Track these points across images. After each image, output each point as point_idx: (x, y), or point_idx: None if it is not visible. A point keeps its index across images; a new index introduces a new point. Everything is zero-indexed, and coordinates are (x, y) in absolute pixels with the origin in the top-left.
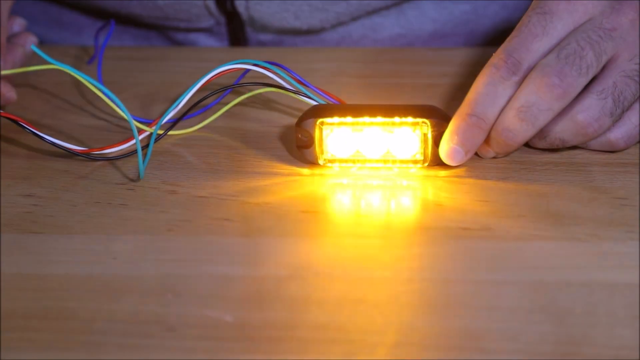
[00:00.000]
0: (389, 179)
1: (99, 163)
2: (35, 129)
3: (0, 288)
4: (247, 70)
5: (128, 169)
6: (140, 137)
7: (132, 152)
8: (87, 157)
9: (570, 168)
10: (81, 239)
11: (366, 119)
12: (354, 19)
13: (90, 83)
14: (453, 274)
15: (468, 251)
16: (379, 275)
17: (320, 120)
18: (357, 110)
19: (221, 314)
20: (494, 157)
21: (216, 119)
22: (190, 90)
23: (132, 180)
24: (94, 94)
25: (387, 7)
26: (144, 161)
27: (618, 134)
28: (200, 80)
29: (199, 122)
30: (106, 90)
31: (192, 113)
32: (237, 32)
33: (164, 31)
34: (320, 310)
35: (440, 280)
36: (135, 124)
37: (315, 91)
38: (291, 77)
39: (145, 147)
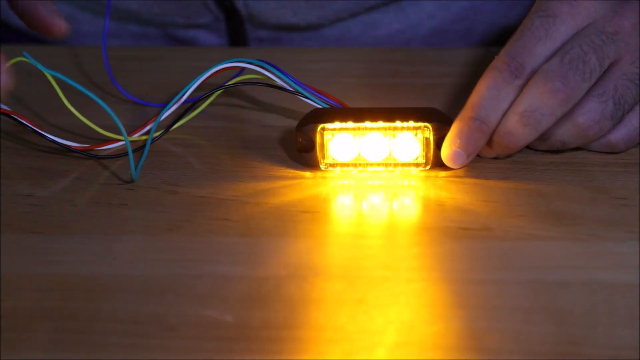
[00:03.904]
0: (390, 180)
1: (99, 163)
2: (36, 126)
3: (0, 288)
4: (242, 69)
5: (128, 169)
6: (137, 134)
7: (133, 151)
8: (87, 154)
9: (571, 168)
10: (81, 239)
11: (367, 123)
12: (353, 15)
13: (82, 91)
14: (453, 274)
15: (468, 251)
16: (379, 275)
17: (321, 125)
18: (358, 114)
19: (221, 314)
20: (495, 158)
21: (215, 120)
22: (185, 91)
23: (132, 180)
24: (95, 93)
25: (386, 4)
26: (138, 163)
27: (618, 136)
28: (195, 81)
29: (194, 122)
30: (98, 99)
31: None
32: (236, 28)
33: (162, 28)
34: (320, 310)
35: (440, 280)
36: (128, 138)
37: (310, 92)
38: (286, 77)
39: (139, 149)
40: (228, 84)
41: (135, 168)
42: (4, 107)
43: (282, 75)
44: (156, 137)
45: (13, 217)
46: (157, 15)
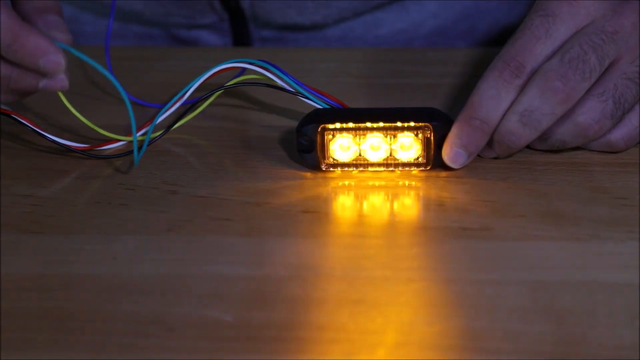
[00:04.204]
0: (390, 180)
1: (99, 163)
2: (36, 126)
3: (0, 288)
4: (243, 70)
5: (128, 169)
6: (137, 134)
7: (132, 151)
8: (88, 154)
9: (571, 168)
10: (81, 239)
11: (368, 123)
12: (357, 14)
13: (99, 69)
14: (453, 274)
15: (468, 251)
16: (379, 275)
17: (322, 125)
18: (358, 114)
19: (221, 314)
20: (495, 158)
21: (216, 120)
22: (185, 92)
23: (132, 180)
24: (94, 93)
25: (389, 3)
26: (141, 150)
27: (618, 135)
28: (195, 82)
29: (195, 122)
30: (112, 77)
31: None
32: (240, 28)
33: (166, 28)
34: (321, 310)
35: (440, 280)
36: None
37: (310, 92)
38: (287, 77)
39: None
40: (228, 84)
41: (138, 153)
42: (4, 107)
43: (282, 75)
44: (156, 137)
45: (13, 217)
46: (160, 16)
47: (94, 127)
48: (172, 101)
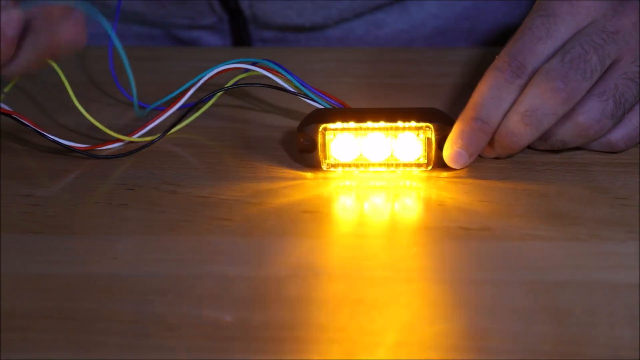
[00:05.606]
0: (391, 180)
1: (99, 163)
2: (36, 126)
3: (0, 288)
4: (246, 70)
5: (128, 169)
6: (137, 135)
7: (132, 152)
8: (88, 154)
9: (571, 168)
10: (81, 239)
11: (369, 123)
12: (357, 15)
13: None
14: (453, 274)
15: (468, 251)
16: (379, 275)
17: (323, 125)
18: (360, 114)
19: (221, 314)
20: (496, 158)
21: (217, 120)
22: (185, 92)
23: (131, 180)
24: (95, 93)
25: (389, 4)
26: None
27: (618, 135)
28: (196, 83)
29: (195, 122)
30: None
31: (191, 115)
32: (240, 29)
33: (166, 28)
34: (320, 310)
35: (440, 280)
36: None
37: (314, 92)
38: (290, 75)
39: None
40: (228, 85)
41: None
42: (4, 107)
43: (286, 74)
44: (156, 139)
45: (13, 217)
46: (160, 16)
47: (100, 126)
48: (173, 102)
